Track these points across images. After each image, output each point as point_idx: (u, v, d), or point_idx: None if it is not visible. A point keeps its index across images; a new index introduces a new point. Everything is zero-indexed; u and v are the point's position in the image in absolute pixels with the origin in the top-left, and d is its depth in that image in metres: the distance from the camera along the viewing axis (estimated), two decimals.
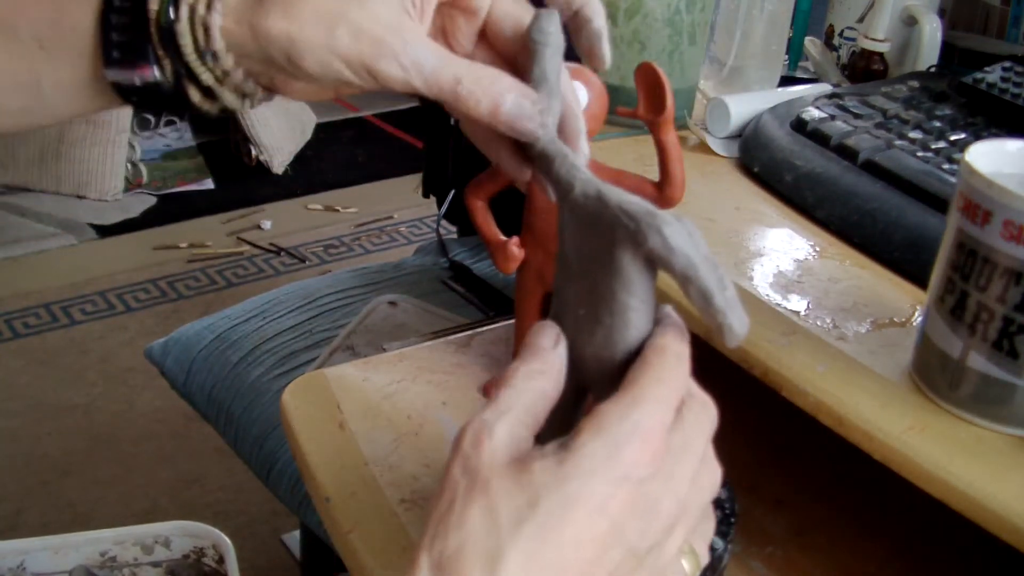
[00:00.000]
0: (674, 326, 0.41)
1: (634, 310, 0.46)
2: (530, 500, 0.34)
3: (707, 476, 0.38)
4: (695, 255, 0.42)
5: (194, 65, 0.45)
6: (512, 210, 0.62)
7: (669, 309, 0.42)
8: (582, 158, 0.47)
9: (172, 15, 0.44)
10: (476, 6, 0.47)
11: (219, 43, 0.44)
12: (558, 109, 0.46)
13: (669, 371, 0.39)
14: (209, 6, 0.44)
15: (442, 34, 0.47)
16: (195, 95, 0.47)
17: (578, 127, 0.47)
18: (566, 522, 0.34)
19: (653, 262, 0.44)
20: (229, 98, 0.48)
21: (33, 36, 0.46)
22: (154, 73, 0.45)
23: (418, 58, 0.43)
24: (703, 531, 0.40)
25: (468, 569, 0.33)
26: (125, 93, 0.47)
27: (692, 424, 0.38)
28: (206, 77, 0.46)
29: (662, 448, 0.36)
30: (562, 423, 0.54)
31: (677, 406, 0.38)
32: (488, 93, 0.42)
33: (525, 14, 0.46)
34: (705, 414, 0.39)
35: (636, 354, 0.47)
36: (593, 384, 0.48)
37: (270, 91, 0.50)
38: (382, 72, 0.43)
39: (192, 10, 0.44)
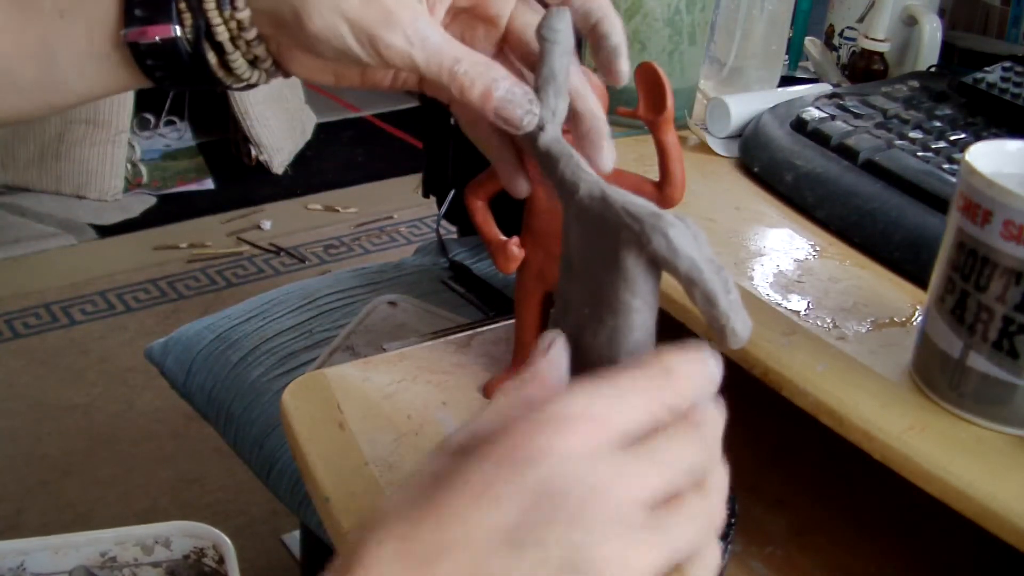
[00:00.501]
0: (696, 350, 0.39)
1: (637, 311, 0.46)
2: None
3: (697, 504, 0.35)
4: (699, 258, 0.42)
5: (212, 15, 0.46)
6: (512, 210, 0.62)
7: (708, 347, 0.40)
8: (608, 159, 0.46)
9: None
10: (495, 14, 0.47)
11: None
12: (564, 108, 0.46)
13: (643, 378, 0.36)
14: None
15: (460, 42, 0.47)
16: (211, 57, 0.47)
17: (602, 129, 0.47)
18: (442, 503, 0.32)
19: (657, 264, 0.44)
20: (240, 64, 0.48)
21: (54, 6, 0.47)
22: (174, 29, 0.46)
23: (424, 33, 0.43)
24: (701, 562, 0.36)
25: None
26: (141, 56, 0.47)
27: (667, 444, 0.35)
28: (221, 31, 0.46)
29: (589, 443, 0.33)
30: None
31: (645, 418, 0.35)
32: (483, 77, 0.42)
33: None
34: (694, 444, 0.36)
35: (639, 356, 0.47)
36: None
37: (277, 65, 0.50)
38: (385, 41, 0.43)
39: None
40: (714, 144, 0.78)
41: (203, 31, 0.46)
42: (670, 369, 0.37)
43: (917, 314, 0.58)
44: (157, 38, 0.46)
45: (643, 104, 0.54)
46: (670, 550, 0.34)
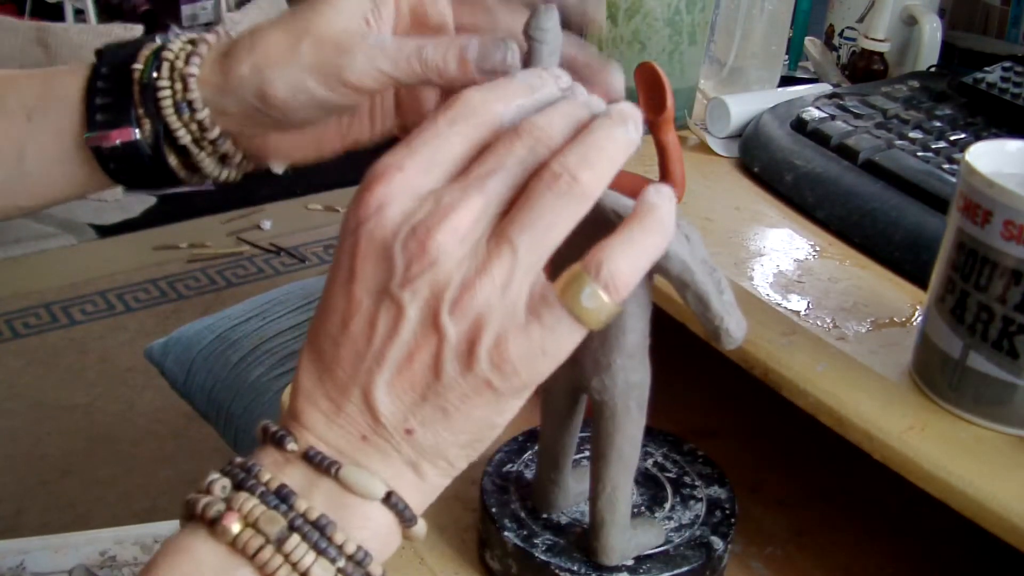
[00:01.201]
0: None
1: (630, 314, 0.46)
2: None
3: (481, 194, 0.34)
4: (691, 260, 0.42)
5: (171, 119, 0.47)
6: None
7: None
8: (617, 78, 0.45)
9: (155, 73, 0.47)
10: (438, 23, 0.46)
11: (195, 93, 0.46)
12: None
13: (443, 118, 0.36)
14: (187, 60, 0.46)
15: (414, 17, 0.46)
16: (172, 160, 0.48)
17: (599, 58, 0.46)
18: (327, 290, 0.36)
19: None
20: (207, 163, 0.49)
21: (22, 107, 0.48)
22: (133, 133, 0.47)
23: (378, 43, 0.43)
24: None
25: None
26: (104, 159, 0.48)
27: (482, 162, 0.35)
28: (182, 134, 0.47)
29: (399, 188, 0.34)
30: (561, 423, 0.54)
31: (456, 149, 0.35)
32: (451, 49, 0.43)
33: None
34: (510, 152, 0.35)
35: (633, 357, 0.48)
36: (589, 386, 0.49)
37: (250, 158, 0.50)
38: (349, 68, 0.43)
39: (172, 66, 0.47)
40: (714, 144, 0.78)
41: (162, 135, 0.47)
42: (468, 98, 0.36)
43: (917, 314, 0.58)
44: (118, 142, 0.47)
45: (643, 104, 0.54)
46: (483, 202, 0.34)
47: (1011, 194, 0.44)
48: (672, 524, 0.56)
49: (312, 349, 0.36)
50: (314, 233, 2.56)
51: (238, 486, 0.35)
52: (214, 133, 0.47)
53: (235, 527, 0.33)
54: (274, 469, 0.35)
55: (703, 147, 0.79)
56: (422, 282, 0.34)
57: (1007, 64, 0.78)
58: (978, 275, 0.46)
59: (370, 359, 0.34)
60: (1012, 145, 0.50)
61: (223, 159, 0.50)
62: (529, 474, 0.59)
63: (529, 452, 0.61)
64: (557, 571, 0.53)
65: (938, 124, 0.73)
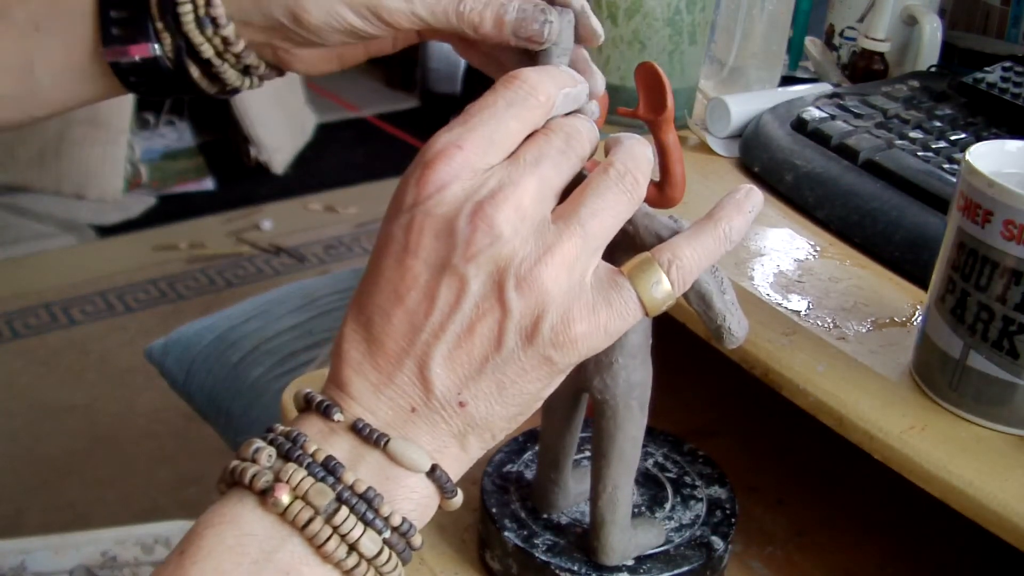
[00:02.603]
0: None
1: None
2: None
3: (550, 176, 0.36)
4: None
5: (193, 35, 0.45)
6: None
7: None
8: (598, 80, 0.45)
9: None
10: None
11: (219, 8, 0.45)
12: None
13: (500, 98, 0.37)
14: None
15: None
16: (195, 71, 0.47)
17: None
18: (375, 263, 0.37)
19: None
20: (230, 74, 0.48)
21: (29, 18, 0.46)
22: (153, 48, 0.46)
23: None
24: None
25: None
26: (123, 73, 0.47)
27: (534, 144, 0.37)
28: (206, 48, 0.46)
29: (457, 168, 0.35)
30: (562, 423, 0.54)
31: (513, 127, 0.37)
32: (491, 6, 0.42)
33: None
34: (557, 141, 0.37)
35: (635, 357, 0.48)
36: (591, 385, 0.49)
37: (274, 67, 0.49)
38: (386, 7, 0.43)
39: None
40: (714, 144, 0.78)
41: (184, 50, 0.46)
42: (525, 79, 0.38)
43: (917, 314, 0.58)
44: (137, 57, 0.46)
45: (643, 104, 0.54)
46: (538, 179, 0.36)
47: (1011, 194, 0.44)
48: (672, 524, 0.56)
49: (359, 320, 0.36)
50: (314, 233, 2.56)
51: (285, 456, 0.35)
52: (239, 47, 0.46)
53: (285, 499, 0.33)
54: (320, 440, 0.35)
55: (703, 147, 0.79)
56: (486, 257, 0.34)
57: (1007, 64, 0.78)
58: (978, 275, 0.46)
59: (428, 332, 0.35)
60: (1012, 145, 0.50)
61: (246, 70, 0.48)
62: (529, 474, 0.59)
63: (529, 452, 0.61)
64: (557, 571, 0.53)
65: (938, 124, 0.73)
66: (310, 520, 0.33)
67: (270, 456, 0.35)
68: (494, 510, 0.56)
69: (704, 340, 0.57)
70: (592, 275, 0.36)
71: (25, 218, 2.54)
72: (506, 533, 0.55)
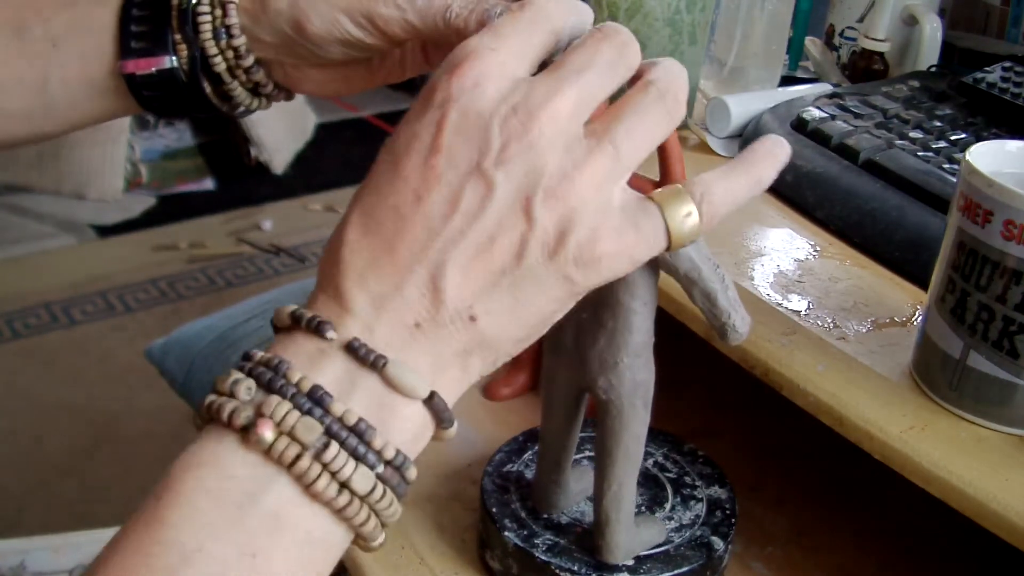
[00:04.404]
0: None
1: (636, 313, 0.46)
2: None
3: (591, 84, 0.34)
4: (698, 257, 0.42)
5: (208, 46, 0.46)
6: None
7: None
8: None
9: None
10: None
11: (234, 19, 0.46)
12: None
13: (530, 10, 0.36)
14: None
15: None
16: (207, 87, 0.48)
17: None
18: (389, 165, 0.35)
19: (655, 265, 0.44)
20: (240, 93, 0.49)
21: (47, 35, 0.47)
22: (170, 60, 0.47)
23: None
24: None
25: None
26: (137, 87, 0.47)
27: (574, 57, 0.35)
28: (218, 61, 0.47)
29: (492, 71, 0.34)
30: (564, 423, 0.54)
31: (544, 39, 0.36)
32: (476, 11, 0.43)
33: None
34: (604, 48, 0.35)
35: (639, 356, 0.48)
36: (595, 385, 0.49)
37: (283, 89, 0.50)
38: (381, 15, 0.44)
39: None
40: (714, 144, 0.78)
41: (199, 62, 0.47)
42: (540, 5, 0.36)
43: (917, 314, 0.58)
44: (154, 69, 0.47)
45: None
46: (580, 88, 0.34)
47: (1011, 194, 0.44)
48: (672, 524, 0.56)
49: (366, 224, 0.34)
50: (314, 233, 2.56)
51: (267, 387, 0.32)
52: (249, 60, 0.47)
53: (269, 435, 0.31)
54: (306, 365, 0.33)
55: (703, 147, 0.79)
56: (518, 164, 0.33)
57: (1007, 64, 0.78)
58: (978, 275, 0.46)
59: (446, 237, 0.33)
60: (1012, 145, 0.50)
61: (255, 89, 0.49)
62: (529, 474, 0.59)
63: (529, 452, 0.61)
64: (557, 571, 0.53)
65: (938, 124, 0.73)
66: (298, 457, 0.31)
67: (249, 389, 0.32)
68: (494, 510, 0.56)
69: (704, 340, 0.57)
70: (619, 196, 0.35)
71: (25, 218, 2.54)
72: (506, 533, 0.55)
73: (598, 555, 0.53)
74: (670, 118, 0.36)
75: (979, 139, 0.69)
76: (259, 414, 0.31)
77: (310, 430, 0.31)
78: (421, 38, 0.45)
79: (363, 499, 0.32)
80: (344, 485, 0.32)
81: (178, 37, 0.47)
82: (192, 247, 2.46)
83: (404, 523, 0.62)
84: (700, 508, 0.57)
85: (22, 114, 0.49)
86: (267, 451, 0.31)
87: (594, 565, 0.53)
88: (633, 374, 0.47)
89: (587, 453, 0.60)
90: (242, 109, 0.51)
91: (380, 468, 0.32)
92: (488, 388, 0.76)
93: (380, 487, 0.33)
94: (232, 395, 0.32)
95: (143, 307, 2.23)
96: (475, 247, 0.33)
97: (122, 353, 2.04)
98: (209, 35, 0.46)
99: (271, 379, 0.32)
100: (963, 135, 0.71)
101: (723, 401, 0.78)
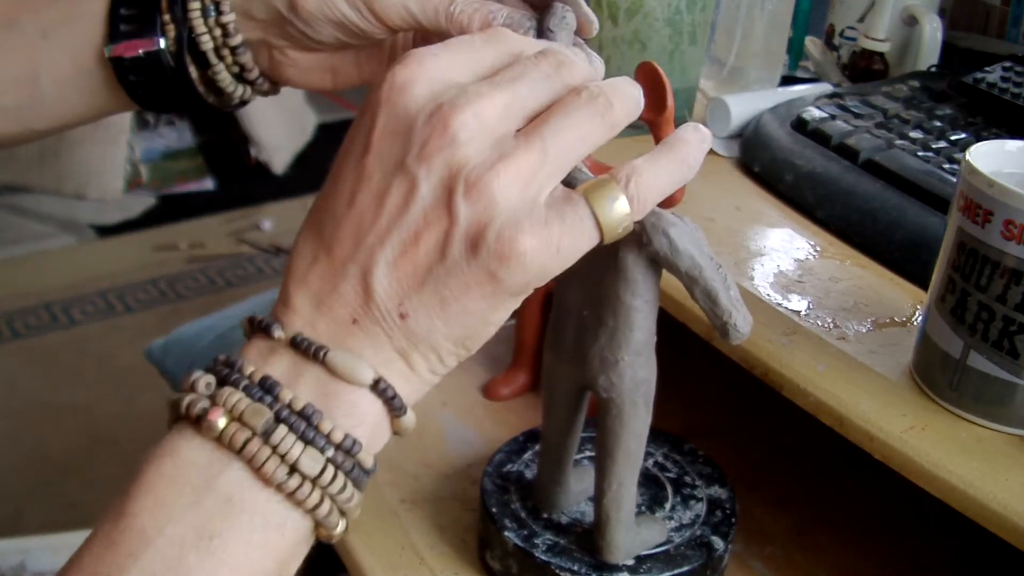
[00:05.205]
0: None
1: (638, 311, 0.46)
2: None
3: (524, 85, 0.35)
4: (699, 255, 0.42)
5: (196, 22, 0.46)
6: None
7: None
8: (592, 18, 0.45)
9: None
10: None
11: None
12: None
13: (475, 36, 0.37)
14: None
15: None
16: (193, 71, 0.48)
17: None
18: (335, 172, 0.35)
19: (657, 263, 0.44)
20: (224, 75, 0.48)
21: (37, 28, 0.47)
22: (157, 43, 0.47)
23: None
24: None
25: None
26: (124, 72, 0.47)
27: (512, 71, 0.35)
28: (205, 39, 0.47)
29: (425, 74, 0.34)
30: (565, 422, 0.54)
31: (486, 57, 0.36)
32: (480, 11, 0.43)
33: None
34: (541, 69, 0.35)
35: (640, 354, 0.48)
36: (596, 383, 0.49)
37: (268, 78, 0.50)
38: (380, 2, 0.43)
39: None
40: (715, 144, 0.78)
41: (186, 43, 0.47)
42: (502, 31, 0.37)
43: (917, 314, 0.58)
44: (141, 51, 0.47)
45: (644, 104, 0.54)
46: (510, 95, 0.34)
47: (1011, 194, 0.44)
48: (673, 524, 0.56)
49: (311, 228, 0.35)
50: None
51: (222, 382, 0.34)
52: (236, 39, 0.47)
53: (221, 422, 0.33)
54: (259, 361, 0.34)
55: None
56: (439, 159, 0.33)
57: (1007, 64, 0.78)
58: (978, 275, 0.46)
59: (374, 235, 0.34)
60: (1012, 145, 0.50)
61: (241, 75, 0.49)
62: (529, 474, 0.59)
63: (529, 452, 0.61)
64: (557, 571, 0.53)
65: (938, 124, 0.73)
66: (247, 441, 0.32)
67: (208, 384, 0.34)
68: (494, 510, 0.56)
69: (704, 340, 0.57)
70: (548, 195, 0.35)
71: (25, 218, 2.54)
72: (506, 533, 0.55)
73: (598, 555, 0.53)
74: (602, 120, 0.35)
75: (979, 139, 0.69)
76: (213, 404, 0.33)
77: (259, 415, 0.33)
78: (417, 29, 0.45)
79: (314, 482, 0.33)
80: (294, 468, 0.33)
81: (167, 18, 0.46)
82: (192, 247, 2.46)
83: (404, 523, 0.62)
84: (700, 508, 0.57)
85: (14, 109, 0.48)
86: (219, 437, 0.33)
87: (594, 565, 0.53)
88: (634, 372, 0.47)
89: (587, 453, 0.60)
90: (230, 101, 0.50)
91: (330, 452, 0.33)
92: (488, 388, 0.76)
93: (331, 470, 0.33)
94: (193, 390, 0.34)
95: (143, 307, 2.23)
96: (401, 244, 0.33)
97: (122, 353, 2.04)
98: (198, 11, 0.46)
99: (227, 374, 0.34)
100: (963, 135, 0.71)
101: (723, 401, 0.78)
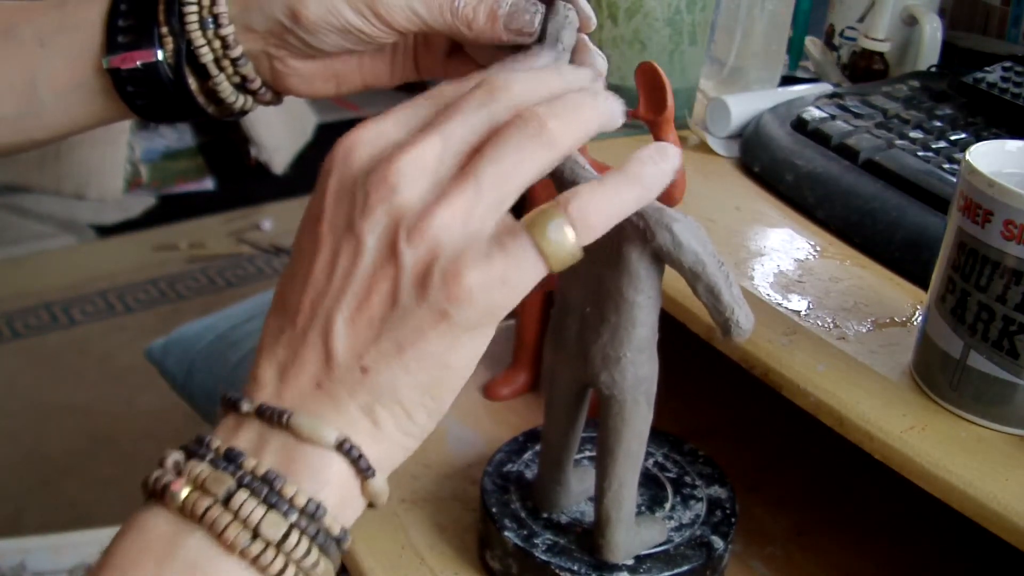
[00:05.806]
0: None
1: (640, 307, 0.46)
2: None
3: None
4: (703, 252, 0.42)
5: (194, 35, 0.46)
6: (512, 211, 0.62)
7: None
8: (599, 60, 0.45)
9: None
10: None
11: (222, 7, 0.45)
12: None
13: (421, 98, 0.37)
14: None
15: None
16: (192, 83, 0.47)
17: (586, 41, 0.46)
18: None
19: (660, 259, 0.44)
20: (224, 86, 0.48)
21: (35, 36, 0.47)
22: (155, 54, 0.46)
23: None
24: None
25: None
26: (122, 83, 0.47)
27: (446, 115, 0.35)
28: (204, 51, 0.46)
29: (366, 137, 0.35)
30: (566, 421, 0.54)
31: (423, 111, 0.36)
32: (486, 3, 0.43)
33: None
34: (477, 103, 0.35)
35: (642, 351, 0.48)
36: (598, 381, 0.49)
37: (270, 88, 0.50)
38: (383, 2, 0.43)
39: None
40: (714, 144, 0.78)
41: (184, 54, 0.46)
42: (441, 89, 0.38)
43: (917, 314, 0.58)
44: (139, 63, 0.46)
45: (643, 104, 0.54)
46: (443, 137, 0.35)
47: (1011, 194, 0.44)
48: (673, 524, 0.56)
49: (277, 305, 0.36)
50: None
51: (190, 456, 0.34)
52: (236, 51, 0.46)
53: (183, 492, 0.33)
54: (227, 435, 0.35)
55: (703, 147, 0.79)
56: (380, 211, 0.33)
57: (1007, 64, 0.78)
58: (978, 275, 0.46)
59: (330, 298, 0.34)
60: (1012, 145, 0.50)
61: (242, 85, 0.49)
62: (529, 474, 0.59)
63: (529, 452, 0.61)
64: (557, 571, 0.53)
65: (938, 124, 0.73)
66: (208, 508, 0.32)
67: (176, 461, 0.34)
68: (494, 510, 0.56)
69: (704, 340, 0.57)
70: (491, 228, 0.34)
71: (25, 218, 2.54)
72: (506, 533, 0.55)
73: (598, 554, 0.53)
74: (538, 142, 0.34)
75: (979, 139, 0.69)
76: (178, 476, 0.33)
77: (219, 482, 0.33)
78: (424, 30, 0.44)
79: (278, 547, 0.33)
80: (256, 534, 0.32)
81: (164, 30, 0.46)
82: (192, 247, 2.46)
83: (404, 523, 0.62)
84: (700, 508, 0.57)
85: (12, 118, 0.48)
86: (181, 507, 0.33)
87: (594, 565, 0.53)
88: (636, 369, 0.47)
89: (588, 453, 0.60)
90: (231, 111, 0.50)
91: (294, 516, 0.33)
92: (488, 388, 0.76)
93: (296, 535, 0.33)
94: (161, 466, 0.34)
95: (143, 307, 2.23)
96: (356, 300, 0.34)
97: (122, 353, 2.04)
98: (195, 24, 0.45)
99: (195, 449, 0.34)
100: (963, 135, 0.71)
101: (723, 401, 0.78)
